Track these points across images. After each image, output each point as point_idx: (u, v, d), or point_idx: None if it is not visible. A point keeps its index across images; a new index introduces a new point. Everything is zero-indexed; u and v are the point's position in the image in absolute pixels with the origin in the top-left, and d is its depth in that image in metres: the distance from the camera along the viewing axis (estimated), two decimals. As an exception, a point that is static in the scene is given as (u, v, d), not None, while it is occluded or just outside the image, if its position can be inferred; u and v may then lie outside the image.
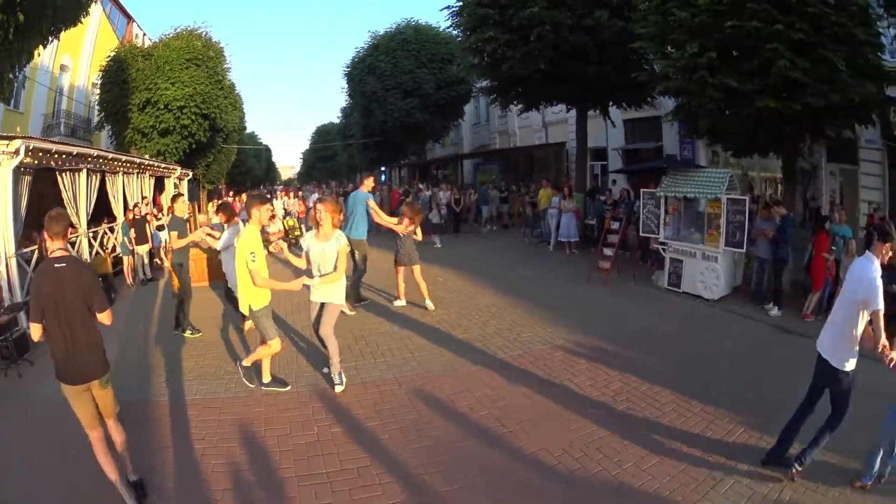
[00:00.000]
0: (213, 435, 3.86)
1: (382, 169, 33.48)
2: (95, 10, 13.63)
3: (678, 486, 3.28)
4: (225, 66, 20.28)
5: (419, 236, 7.48)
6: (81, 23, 12.10)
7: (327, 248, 4.63)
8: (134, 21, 26.41)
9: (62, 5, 10.22)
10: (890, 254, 3.50)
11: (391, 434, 3.65)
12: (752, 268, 8.69)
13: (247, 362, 4.67)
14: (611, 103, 13.65)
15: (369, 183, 8.17)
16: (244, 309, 4.47)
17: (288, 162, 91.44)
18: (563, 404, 4.34)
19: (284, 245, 4.90)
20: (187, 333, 6.43)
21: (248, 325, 6.14)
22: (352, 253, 7.14)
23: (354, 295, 7.43)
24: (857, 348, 3.40)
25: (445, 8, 13.36)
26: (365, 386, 4.61)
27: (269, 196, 19.25)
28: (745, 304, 8.16)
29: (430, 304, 7.35)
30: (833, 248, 8.16)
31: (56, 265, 2.98)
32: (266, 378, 4.72)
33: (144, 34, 26.87)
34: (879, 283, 3.34)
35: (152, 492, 3.19)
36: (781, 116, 7.69)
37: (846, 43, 7.31)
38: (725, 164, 13.76)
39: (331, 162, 50.42)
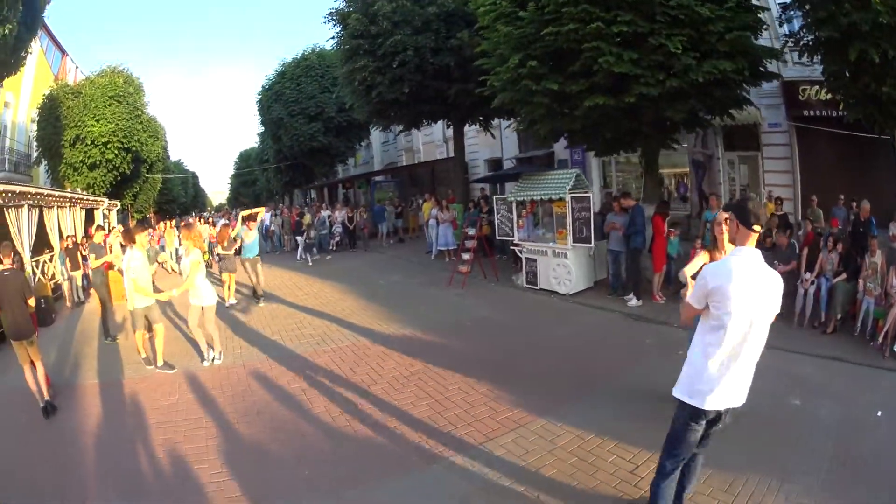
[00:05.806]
0: (120, 404, 5.40)
1: (296, 191, 35.12)
2: (34, 47, 14.78)
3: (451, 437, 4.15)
4: (144, 100, 21.84)
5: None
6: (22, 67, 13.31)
7: (184, 262, 6.55)
8: (67, 55, 27.10)
9: (3, 60, 11.54)
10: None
11: (226, 399, 5.28)
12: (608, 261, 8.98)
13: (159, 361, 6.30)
14: (494, 117, 14.45)
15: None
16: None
17: (218, 187, 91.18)
18: (360, 381, 5.47)
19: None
20: (109, 340, 7.74)
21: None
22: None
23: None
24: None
25: (331, 39, 14.50)
26: (219, 369, 6.14)
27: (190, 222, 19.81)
28: (604, 297, 8.52)
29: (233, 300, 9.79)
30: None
31: (4, 273, 5.28)
32: (160, 361, 6.34)
33: (77, 67, 27.73)
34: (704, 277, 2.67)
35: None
36: (621, 111, 7.73)
37: (690, 25, 7.01)
38: (627, 165, 14.72)
39: (253, 186, 50.69)
